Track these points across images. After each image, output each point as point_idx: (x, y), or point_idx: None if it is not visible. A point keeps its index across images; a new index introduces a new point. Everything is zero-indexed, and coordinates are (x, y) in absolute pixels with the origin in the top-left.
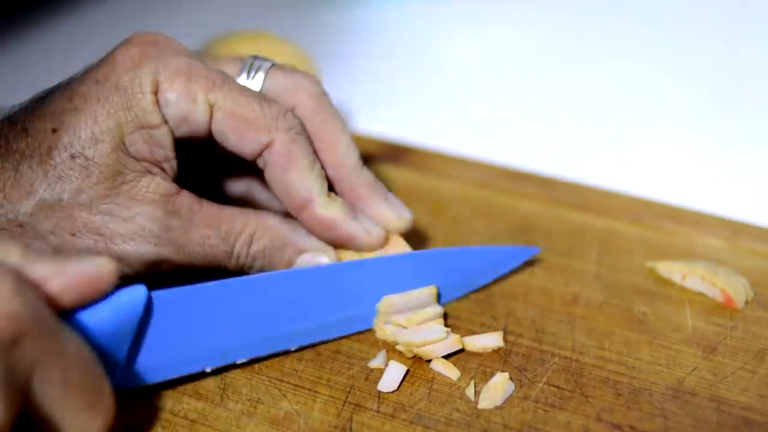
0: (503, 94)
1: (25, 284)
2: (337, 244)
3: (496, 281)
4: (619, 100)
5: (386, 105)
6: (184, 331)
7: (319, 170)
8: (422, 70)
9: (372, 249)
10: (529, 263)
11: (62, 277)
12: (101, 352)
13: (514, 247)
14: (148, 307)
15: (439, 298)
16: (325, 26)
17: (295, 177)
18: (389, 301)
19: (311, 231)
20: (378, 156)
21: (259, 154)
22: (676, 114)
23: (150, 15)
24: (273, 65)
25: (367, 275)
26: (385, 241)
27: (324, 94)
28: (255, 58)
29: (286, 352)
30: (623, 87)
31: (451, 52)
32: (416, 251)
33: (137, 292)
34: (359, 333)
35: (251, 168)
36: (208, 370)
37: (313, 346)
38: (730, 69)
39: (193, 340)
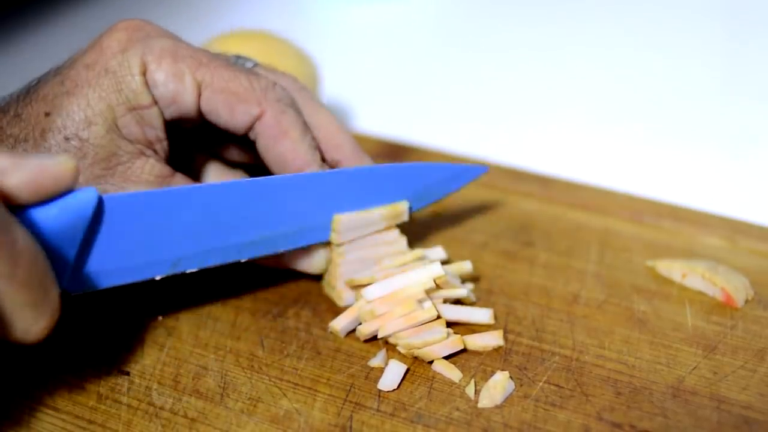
0: (503, 94)
1: None
2: None
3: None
4: (620, 99)
5: (386, 105)
6: (134, 237)
7: (311, 140)
8: (422, 70)
9: None
10: (529, 262)
11: (21, 172)
12: (49, 251)
13: (463, 165)
14: (99, 210)
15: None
16: (324, 25)
17: (286, 146)
18: (339, 218)
19: None
20: (378, 156)
21: (251, 127)
22: (676, 114)
23: (150, 15)
24: (255, 65)
25: (318, 188)
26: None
27: (305, 89)
28: (238, 57)
29: (237, 264)
30: (624, 87)
31: (450, 51)
32: (368, 166)
33: (88, 193)
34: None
35: (233, 167)
36: (158, 278)
37: (265, 264)
38: (731, 69)
39: (144, 246)
